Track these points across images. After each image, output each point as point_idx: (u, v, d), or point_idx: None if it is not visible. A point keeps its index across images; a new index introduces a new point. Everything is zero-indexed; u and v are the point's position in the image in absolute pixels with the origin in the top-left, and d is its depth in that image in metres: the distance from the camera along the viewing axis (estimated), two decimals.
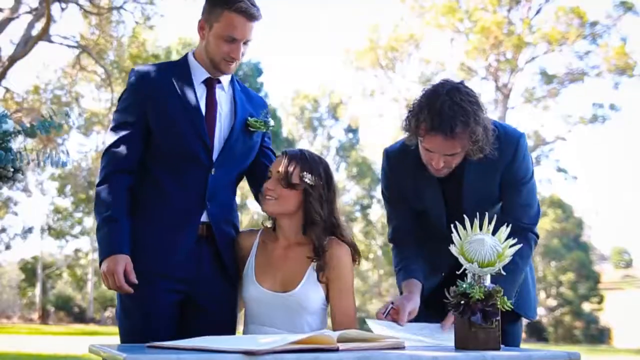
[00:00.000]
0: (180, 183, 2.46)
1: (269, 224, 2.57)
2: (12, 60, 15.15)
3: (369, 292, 29.71)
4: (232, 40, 2.45)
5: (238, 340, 1.98)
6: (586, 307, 27.93)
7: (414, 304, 2.44)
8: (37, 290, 30.64)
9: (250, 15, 2.44)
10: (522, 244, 2.18)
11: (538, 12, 22.80)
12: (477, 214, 2.10)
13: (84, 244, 31.90)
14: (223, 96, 2.57)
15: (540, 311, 28.32)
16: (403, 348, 2.04)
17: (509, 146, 2.48)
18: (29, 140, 2.07)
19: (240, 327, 2.65)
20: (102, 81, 19.01)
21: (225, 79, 2.58)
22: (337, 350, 1.83)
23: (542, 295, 28.71)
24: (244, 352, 1.72)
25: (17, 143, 2.04)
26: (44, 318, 30.22)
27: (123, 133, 2.46)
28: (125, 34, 17.89)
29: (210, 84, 2.54)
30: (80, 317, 30.93)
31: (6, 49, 15.45)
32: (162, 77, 2.50)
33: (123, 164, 2.45)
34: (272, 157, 2.67)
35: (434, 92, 2.37)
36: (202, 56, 2.54)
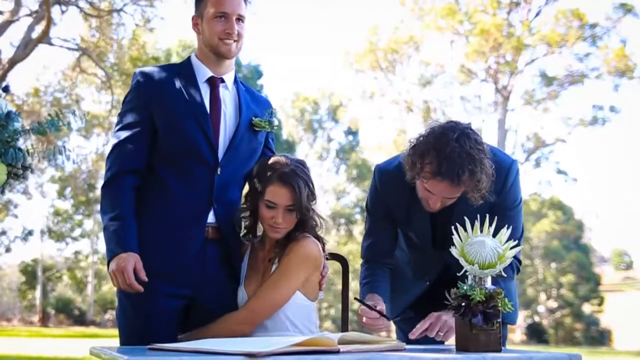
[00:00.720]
0: (186, 183, 2.45)
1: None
2: (12, 62, 15.14)
3: None
4: (224, 16, 2.48)
5: (239, 343, 1.98)
6: (586, 309, 27.92)
7: (382, 304, 2.45)
8: (38, 292, 30.65)
9: None
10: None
11: (538, 14, 22.84)
12: None
13: (84, 246, 31.97)
14: (227, 95, 2.57)
15: (541, 313, 28.32)
16: (404, 350, 2.04)
17: (500, 175, 2.44)
18: (28, 142, 2.10)
19: None
20: (103, 84, 18.99)
21: (229, 78, 2.59)
22: (337, 352, 1.83)
23: (542, 297, 28.71)
24: (245, 354, 1.72)
25: (20, 143, 2.07)
26: (44, 321, 30.23)
27: (129, 133, 2.46)
28: (125, 36, 17.90)
29: (214, 83, 2.55)
30: (80, 319, 30.95)
31: (6, 52, 15.46)
32: (166, 77, 2.52)
33: (129, 164, 2.45)
34: None
35: (443, 135, 2.31)
36: (203, 51, 2.56)
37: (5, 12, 15.23)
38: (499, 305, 2.02)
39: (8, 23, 15.27)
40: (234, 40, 2.51)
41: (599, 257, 37.60)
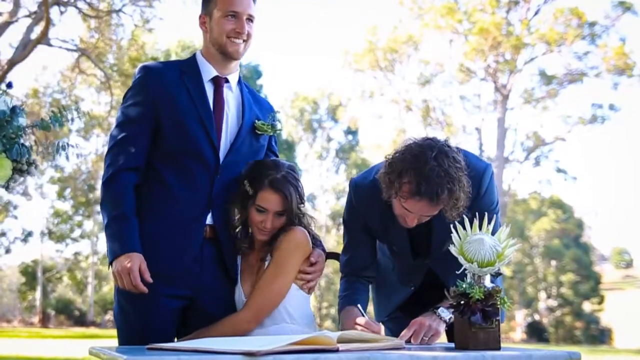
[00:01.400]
0: (186, 183, 2.44)
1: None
2: (12, 63, 15.14)
3: None
4: (235, 16, 2.46)
5: (238, 342, 1.98)
6: (587, 307, 27.92)
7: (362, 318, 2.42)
8: (38, 293, 30.62)
9: None
10: None
11: (537, 13, 22.85)
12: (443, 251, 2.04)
13: (84, 247, 31.94)
14: (231, 96, 2.56)
15: (541, 311, 28.32)
16: (403, 348, 2.04)
17: (474, 181, 2.39)
18: (32, 139, 2.10)
19: None
20: (102, 84, 19.01)
21: (233, 79, 2.57)
22: (337, 350, 1.83)
23: (542, 295, 28.71)
24: (245, 353, 1.71)
25: (24, 140, 2.08)
26: (45, 321, 30.20)
27: (130, 130, 2.44)
28: (124, 37, 17.91)
29: (218, 83, 2.53)
30: (80, 320, 30.92)
31: (5, 53, 15.47)
32: (171, 73, 2.49)
33: (130, 162, 2.42)
34: None
35: (421, 154, 2.26)
36: (209, 50, 2.54)
37: (4, 13, 15.22)
38: (498, 303, 2.02)
39: (7, 24, 15.26)
40: (243, 40, 2.49)
41: (599, 256, 37.63)
